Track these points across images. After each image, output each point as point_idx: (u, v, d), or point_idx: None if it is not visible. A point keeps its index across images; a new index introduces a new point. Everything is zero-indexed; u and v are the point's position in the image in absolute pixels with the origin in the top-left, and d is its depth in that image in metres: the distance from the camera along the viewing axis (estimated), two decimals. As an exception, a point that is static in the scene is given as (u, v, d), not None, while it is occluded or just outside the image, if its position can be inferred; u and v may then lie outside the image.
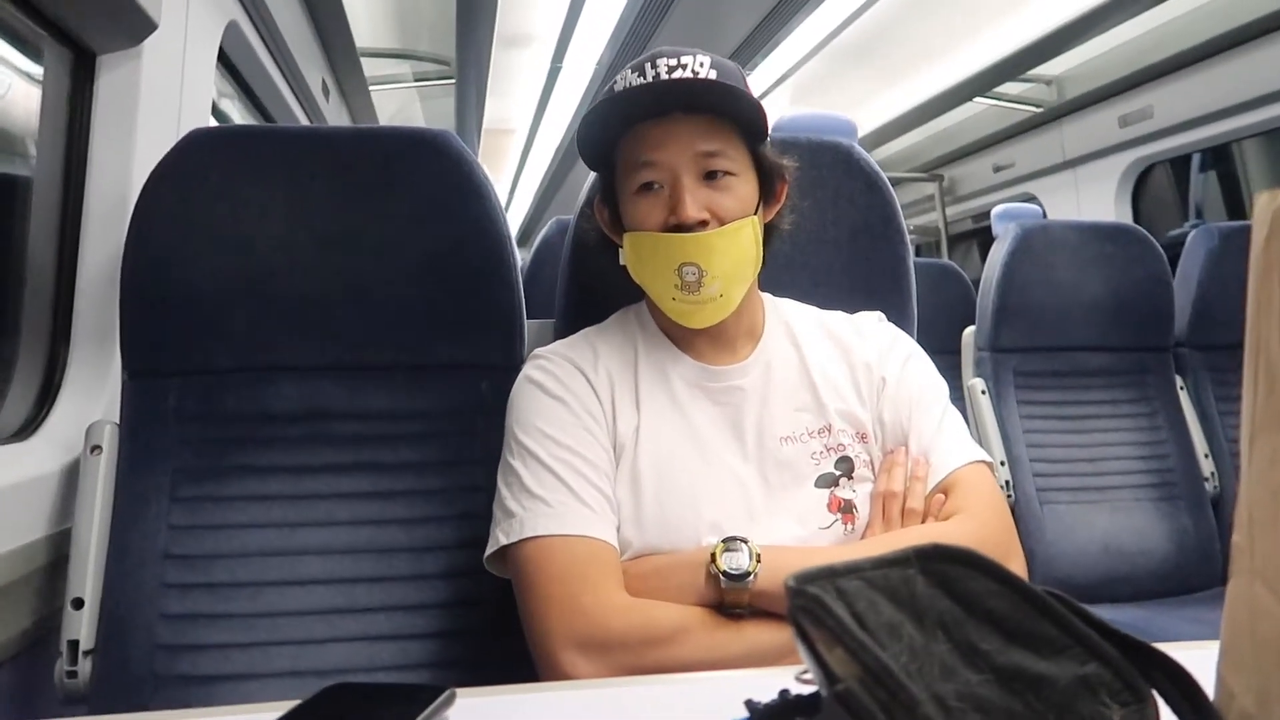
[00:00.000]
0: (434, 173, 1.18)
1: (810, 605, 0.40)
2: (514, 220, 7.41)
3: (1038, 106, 3.68)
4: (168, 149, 1.15)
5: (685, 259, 0.96)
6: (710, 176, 0.97)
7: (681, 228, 0.95)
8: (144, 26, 1.33)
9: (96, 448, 1.10)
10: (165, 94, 1.49)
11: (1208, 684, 0.40)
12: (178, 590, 1.07)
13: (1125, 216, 3.61)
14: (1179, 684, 0.42)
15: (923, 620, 0.46)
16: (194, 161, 1.15)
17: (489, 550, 0.95)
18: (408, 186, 1.18)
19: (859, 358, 1.06)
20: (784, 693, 0.54)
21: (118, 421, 1.13)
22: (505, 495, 0.96)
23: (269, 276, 1.16)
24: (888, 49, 3.41)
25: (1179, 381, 2.22)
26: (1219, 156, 3.63)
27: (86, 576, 1.06)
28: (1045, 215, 3.93)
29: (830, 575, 0.46)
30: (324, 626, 1.09)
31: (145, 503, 1.09)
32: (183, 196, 1.14)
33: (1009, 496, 2.01)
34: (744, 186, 0.99)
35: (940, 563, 0.48)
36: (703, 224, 0.95)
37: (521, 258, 2.26)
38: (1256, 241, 0.35)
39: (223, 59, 1.95)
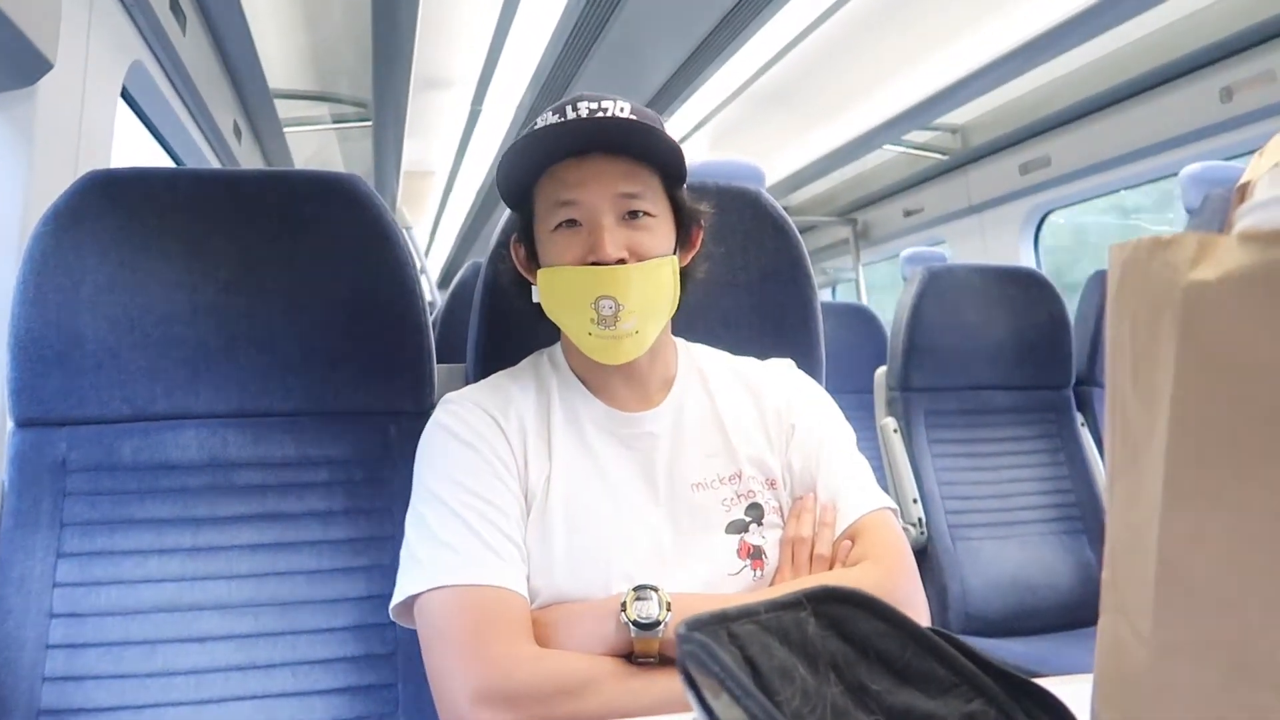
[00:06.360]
0: (342, 217, 1.17)
1: (696, 651, 0.40)
2: (435, 263, 7.35)
3: (944, 154, 3.82)
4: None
5: (602, 292, 0.95)
6: (630, 216, 0.97)
7: (599, 265, 0.95)
8: (38, 66, 1.29)
9: (-22, 502, 1.05)
10: (63, 135, 1.45)
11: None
12: (64, 651, 1.02)
13: (1029, 260, 3.76)
14: (1058, 719, 0.43)
15: (815, 662, 0.47)
16: (90, 203, 1.11)
17: (395, 600, 0.92)
18: (315, 230, 1.16)
19: (769, 404, 1.08)
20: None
21: (1, 474, 1.08)
22: (413, 543, 0.93)
23: (168, 322, 1.12)
24: (802, 96, 3.51)
25: (1079, 418, 2.31)
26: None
27: None
28: (948, 259, 4.07)
29: (723, 620, 0.46)
30: (223, 685, 1.04)
31: (30, 559, 1.04)
32: (77, 239, 1.10)
33: (922, 534, 2.05)
34: (663, 228, 1.00)
35: (831, 604, 0.48)
36: (620, 262, 0.95)
37: (444, 300, 2.25)
38: (1110, 290, 0.37)
39: (126, 98, 1.91)
